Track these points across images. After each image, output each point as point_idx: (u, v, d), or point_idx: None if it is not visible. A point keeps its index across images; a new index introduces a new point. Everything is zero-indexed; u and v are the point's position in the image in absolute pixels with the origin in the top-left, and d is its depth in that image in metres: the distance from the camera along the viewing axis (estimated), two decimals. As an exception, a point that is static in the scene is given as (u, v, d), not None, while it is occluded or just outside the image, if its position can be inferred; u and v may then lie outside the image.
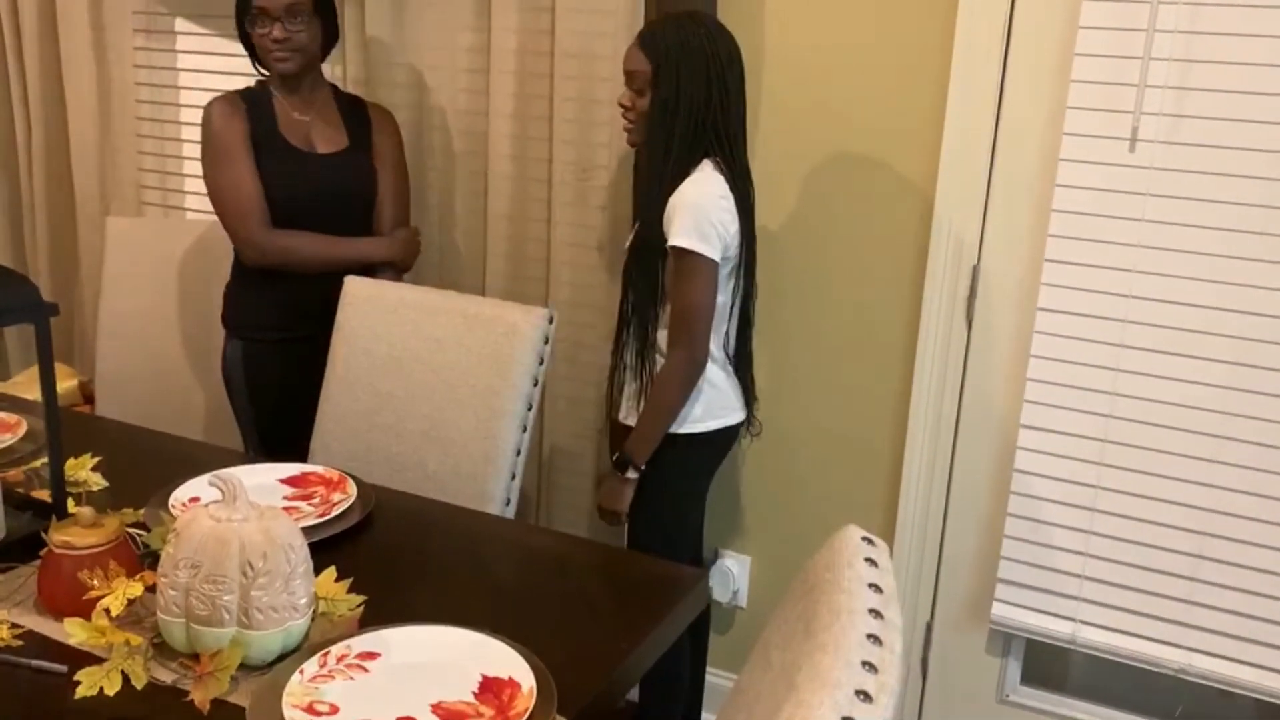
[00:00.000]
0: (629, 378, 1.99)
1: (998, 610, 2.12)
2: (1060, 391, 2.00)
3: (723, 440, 2.02)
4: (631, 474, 1.95)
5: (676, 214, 1.83)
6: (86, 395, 2.83)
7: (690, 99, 1.85)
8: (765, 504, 2.35)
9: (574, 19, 2.20)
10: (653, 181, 1.90)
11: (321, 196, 2.20)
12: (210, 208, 2.22)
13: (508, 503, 1.98)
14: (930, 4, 1.99)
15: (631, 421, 1.99)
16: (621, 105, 1.93)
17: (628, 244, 1.99)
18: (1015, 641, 2.19)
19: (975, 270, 2.06)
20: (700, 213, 1.82)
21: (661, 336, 1.94)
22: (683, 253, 1.83)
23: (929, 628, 2.24)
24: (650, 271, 1.91)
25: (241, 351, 2.27)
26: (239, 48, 2.31)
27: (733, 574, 2.39)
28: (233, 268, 2.29)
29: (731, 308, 1.98)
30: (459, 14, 2.36)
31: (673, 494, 2.02)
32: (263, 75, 2.26)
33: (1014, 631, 2.14)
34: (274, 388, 2.27)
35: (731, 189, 1.86)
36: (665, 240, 1.85)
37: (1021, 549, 2.09)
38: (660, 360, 1.94)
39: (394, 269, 2.28)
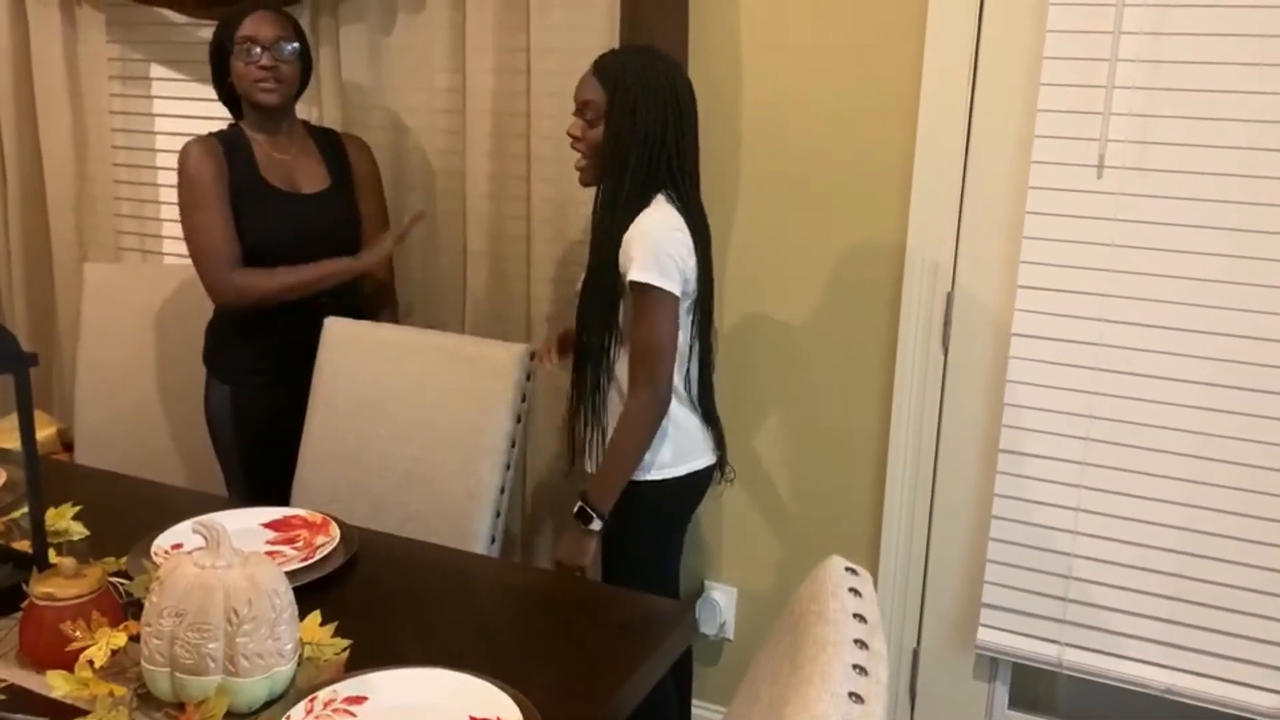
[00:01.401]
0: (584, 423, 1.92)
1: (983, 635, 2.13)
2: (1038, 416, 2.02)
3: (695, 485, 1.95)
4: (595, 525, 1.84)
5: (634, 248, 1.77)
6: (65, 443, 2.82)
7: (646, 131, 1.79)
8: (750, 535, 2.36)
9: (549, 58, 2.23)
10: (605, 215, 1.83)
11: (310, 237, 2.19)
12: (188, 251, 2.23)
13: (493, 541, 1.98)
14: (898, 36, 2.03)
15: (592, 468, 1.92)
16: (571, 135, 1.86)
17: (580, 284, 1.93)
18: (1002, 666, 2.20)
19: (950, 298, 2.08)
20: (659, 246, 1.76)
21: (620, 377, 1.87)
22: (643, 288, 1.77)
23: (915, 654, 2.25)
24: (604, 310, 1.85)
25: (228, 396, 2.26)
26: (214, 93, 2.31)
27: (719, 606, 2.39)
28: (215, 310, 2.29)
29: (691, 347, 1.91)
30: (435, 56, 2.38)
31: (648, 545, 1.94)
32: (234, 120, 2.26)
33: (1000, 656, 2.15)
34: (258, 430, 2.26)
35: (688, 225, 1.82)
36: (619, 277, 1.80)
37: (1005, 573, 2.10)
38: (618, 402, 1.88)
39: (385, 300, 2.31)
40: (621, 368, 1.87)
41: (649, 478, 1.89)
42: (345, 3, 2.46)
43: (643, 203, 1.81)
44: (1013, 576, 2.09)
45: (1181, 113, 1.84)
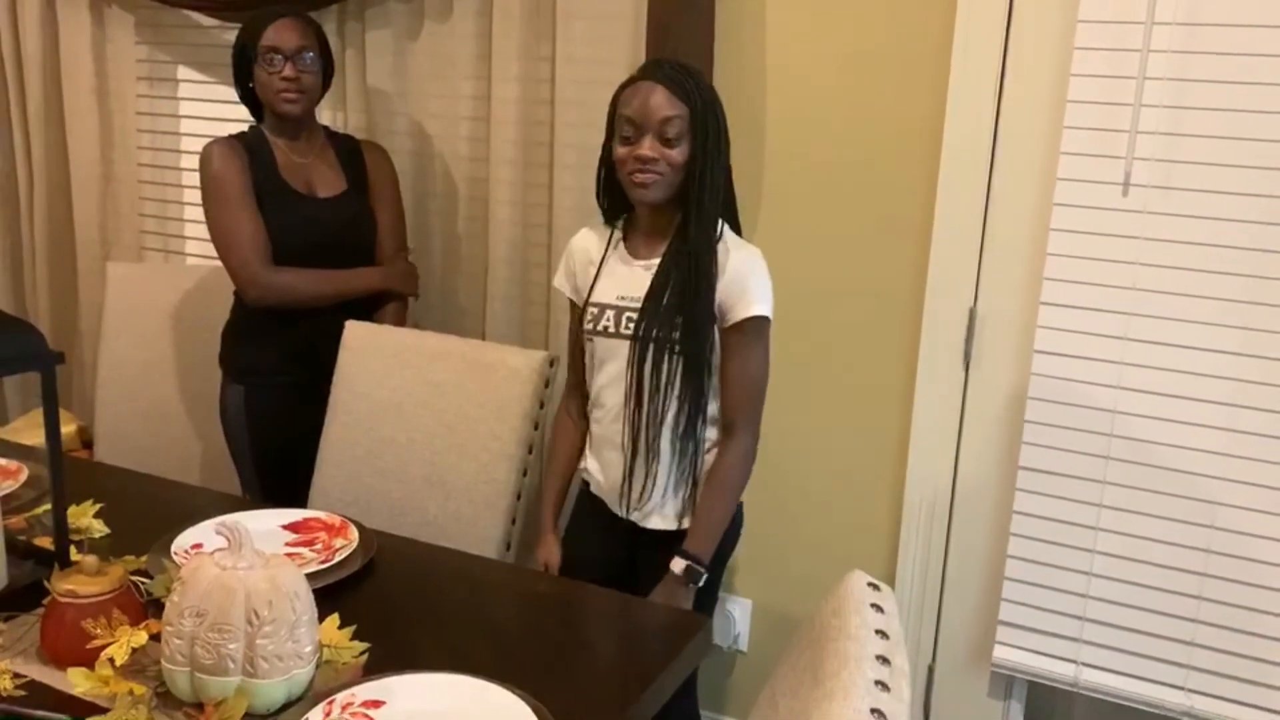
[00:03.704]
0: (670, 473, 1.77)
1: (999, 653, 2.12)
2: (1058, 433, 2.01)
3: (742, 518, 1.88)
4: (702, 580, 1.73)
5: (750, 281, 1.69)
6: (85, 441, 2.83)
7: (725, 151, 1.73)
8: (765, 548, 2.35)
9: (574, 68, 2.24)
10: (708, 247, 1.70)
11: (325, 241, 2.22)
12: (211, 252, 2.24)
13: (508, 547, 1.98)
14: (925, 52, 2.03)
15: (663, 524, 1.80)
16: (644, 157, 1.68)
17: (626, 322, 1.76)
18: (1017, 684, 2.19)
19: (972, 313, 2.07)
20: (767, 279, 1.71)
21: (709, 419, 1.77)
22: (762, 323, 1.70)
23: (931, 671, 2.24)
24: (703, 349, 1.71)
25: (242, 397, 2.27)
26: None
27: (733, 618, 2.39)
28: (232, 310, 2.30)
29: None
30: (460, 64, 2.39)
31: (711, 588, 1.83)
32: (255, 122, 2.28)
33: (1016, 674, 2.13)
34: (274, 433, 2.27)
35: None
36: (713, 312, 1.70)
37: (1022, 591, 2.08)
38: (708, 447, 1.78)
39: (395, 298, 2.32)
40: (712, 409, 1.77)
41: None
42: (372, 8, 2.47)
43: (715, 228, 1.73)
44: (1030, 594, 2.08)
45: (1209, 132, 1.84)
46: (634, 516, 1.82)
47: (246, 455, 2.31)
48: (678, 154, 1.68)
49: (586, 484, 1.93)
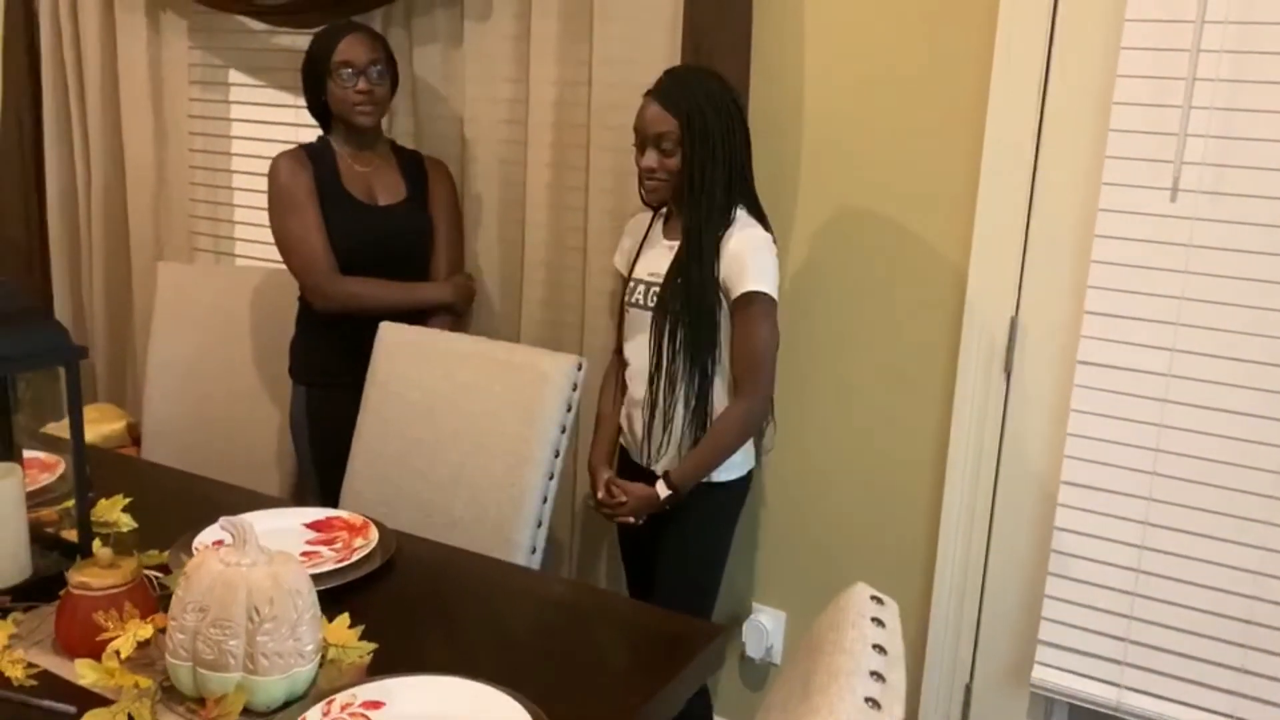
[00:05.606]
0: (679, 429, 1.97)
1: (1039, 673, 2.05)
2: (1102, 447, 1.94)
3: (746, 487, 2.06)
4: (673, 499, 1.95)
5: (747, 260, 1.86)
6: (134, 437, 2.89)
7: (728, 150, 1.88)
8: (801, 559, 2.31)
9: (611, 70, 2.22)
10: (703, 233, 1.89)
11: (381, 246, 2.26)
12: (261, 255, 2.28)
13: (534, 551, 1.97)
14: (967, 49, 1.97)
15: (658, 469, 2.00)
16: (647, 169, 1.91)
17: (652, 296, 1.97)
18: (1058, 706, 2.11)
19: (1013, 322, 2.01)
20: (766, 258, 1.88)
21: (717, 385, 1.95)
22: (758, 297, 1.87)
23: (968, 690, 2.17)
24: (709, 322, 1.91)
25: (305, 396, 2.32)
26: (290, 99, 2.34)
27: (766, 629, 2.35)
28: (298, 318, 2.35)
29: None
30: (499, 66, 2.40)
31: (706, 546, 2.02)
32: (323, 133, 2.32)
33: (1056, 696, 2.06)
34: (330, 432, 2.29)
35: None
36: (717, 289, 1.89)
37: (1063, 610, 2.01)
38: (719, 407, 1.96)
39: (452, 313, 2.35)
40: (722, 375, 1.96)
41: (718, 480, 1.99)
42: (418, 16, 2.49)
43: (728, 217, 1.90)
44: (1072, 614, 2.01)
45: (1262, 135, 1.76)
46: (654, 467, 2.02)
47: (307, 455, 2.36)
48: (674, 162, 1.89)
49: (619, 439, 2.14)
